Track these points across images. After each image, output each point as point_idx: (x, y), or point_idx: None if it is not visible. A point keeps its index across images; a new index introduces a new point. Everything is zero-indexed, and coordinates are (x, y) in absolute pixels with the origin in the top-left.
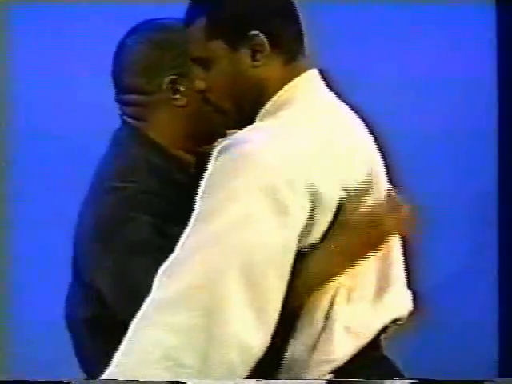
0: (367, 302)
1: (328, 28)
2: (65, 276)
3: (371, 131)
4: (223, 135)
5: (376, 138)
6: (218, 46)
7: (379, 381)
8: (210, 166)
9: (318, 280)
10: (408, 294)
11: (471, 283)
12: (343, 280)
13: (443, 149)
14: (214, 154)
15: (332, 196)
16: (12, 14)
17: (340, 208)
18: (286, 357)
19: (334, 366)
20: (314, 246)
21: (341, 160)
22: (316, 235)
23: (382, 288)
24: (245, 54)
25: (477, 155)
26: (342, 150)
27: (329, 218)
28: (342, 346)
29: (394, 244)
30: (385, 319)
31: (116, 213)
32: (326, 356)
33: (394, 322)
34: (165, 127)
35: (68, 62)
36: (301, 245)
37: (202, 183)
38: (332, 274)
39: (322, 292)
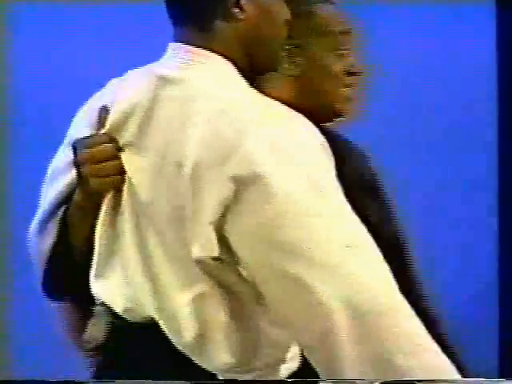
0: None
1: None
2: None
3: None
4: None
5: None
6: None
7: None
8: None
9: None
10: None
11: (471, 283)
12: None
13: (442, 149)
14: None
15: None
16: (12, 14)
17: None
18: None
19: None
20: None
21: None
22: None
23: None
24: None
25: (477, 166)
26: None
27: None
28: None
29: None
30: None
31: None
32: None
33: None
34: (274, 94)
35: (69, 61)
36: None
37: None
38: None
39: None
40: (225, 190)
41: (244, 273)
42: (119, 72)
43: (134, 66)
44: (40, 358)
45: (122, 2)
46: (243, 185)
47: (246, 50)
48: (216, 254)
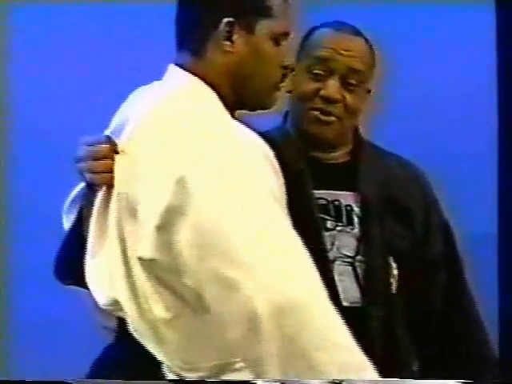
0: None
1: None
2: None
3: None
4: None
5: None
6: None
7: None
8: None
9: None
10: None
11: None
12: None
13: (445, 152)
14: None
15: None
16: (12, 14)
17: None
18: None
19: None
20: None
21: None
22: None
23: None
24: None
25: (476, 172)
26: None
27: None
28: None
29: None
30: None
31: None
32: None
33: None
34: None
35: (68, 62)
36: None
37: None
38: None
39: None
40: (170, 194)
41: (184, 275)
42: (119, 74)
43: (135, 69)
44: (40, 358)
45: (123, 3)
46: (184, 189)
47: (232, 83)
48: (154, 256)
